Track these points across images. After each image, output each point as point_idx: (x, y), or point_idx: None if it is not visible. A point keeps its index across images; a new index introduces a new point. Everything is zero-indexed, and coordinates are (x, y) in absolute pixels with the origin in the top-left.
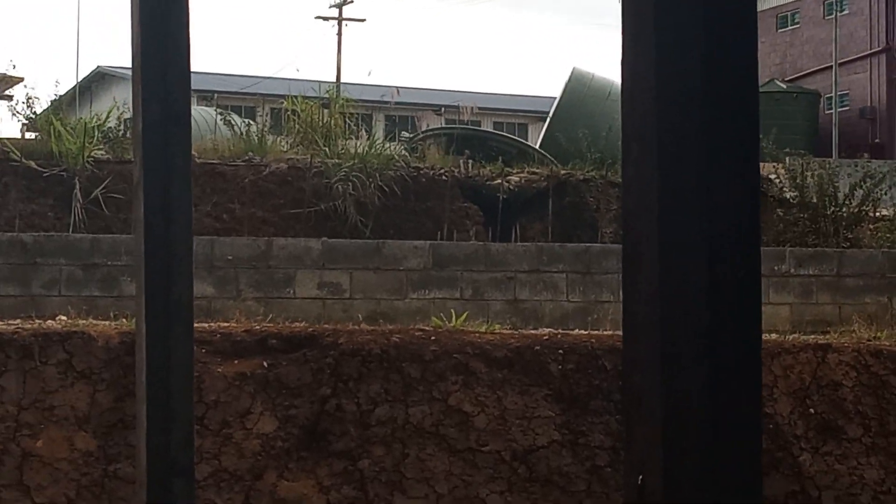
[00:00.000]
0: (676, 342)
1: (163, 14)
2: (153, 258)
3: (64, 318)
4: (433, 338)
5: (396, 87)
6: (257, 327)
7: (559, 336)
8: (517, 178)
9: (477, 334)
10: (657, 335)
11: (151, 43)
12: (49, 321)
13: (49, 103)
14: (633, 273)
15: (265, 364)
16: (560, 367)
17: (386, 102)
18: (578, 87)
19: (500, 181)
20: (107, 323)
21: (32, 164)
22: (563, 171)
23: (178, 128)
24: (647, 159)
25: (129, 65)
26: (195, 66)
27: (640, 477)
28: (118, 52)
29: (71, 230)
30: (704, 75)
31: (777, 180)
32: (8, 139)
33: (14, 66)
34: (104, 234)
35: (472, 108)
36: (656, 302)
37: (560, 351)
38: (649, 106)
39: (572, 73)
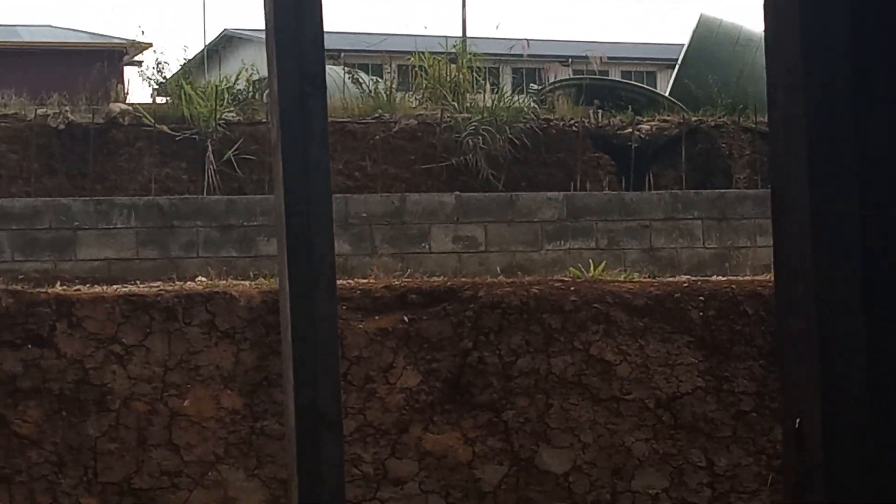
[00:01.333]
0: (832, 284)
1: None
2: (293, 216)
3: (203, 279)
4: (572, 288)
5: (526, 40)
6: (396, 283)
7: (698, 283)
8: (648, 127)
9: (616, 283)
10: (812, 277)
11: (284, 3)
12: (189, 283)
13: (178, 68)
14: (783, 215)
15: (406, 319)
16: (701, 313)
17: (513, 55)
18: (706, 34)
19: (630, 130)
20: (247, 283)
21: (165, 128)
22: (694, 118)
23: (313, 88)
24: (794, 102)
25: (256, 27)
26: None
27: (797, 420)
28: (245, 14)
29: (205, 192)
30: (853, 17)
31: None
32: (140, 104)
33: (143, 33)
34: (238, 195)
35: (600, 58)
36: (807, 243)
37: (700, 297)
38: (795, 50)
39: (700, 19)
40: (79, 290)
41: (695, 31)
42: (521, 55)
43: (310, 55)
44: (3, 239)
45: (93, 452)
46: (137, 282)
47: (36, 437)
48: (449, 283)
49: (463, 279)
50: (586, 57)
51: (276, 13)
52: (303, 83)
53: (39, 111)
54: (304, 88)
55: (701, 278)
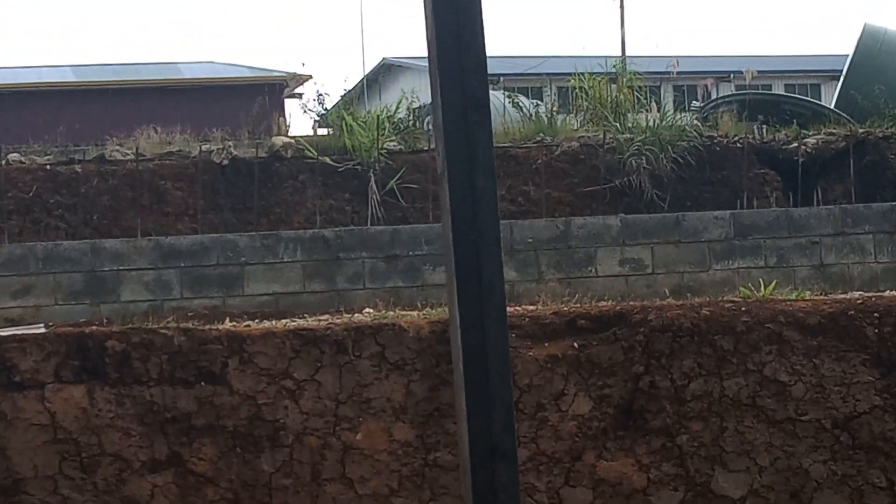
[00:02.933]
0: None
1: (456, 2)
2: (462, 245)
3: (371, 310)
4: (743, 308)
5: (685, 57)
6: (564, 308)
7: (872, 299)
8: (814, 140)
9: (787, 302)
10: None
11: (446, 32)
12: (357, 314)
13: (339, 98)
14: None
15: (575, 345)
16: (876, 330)
17: (673, 73)
18: (871, 43)
19: (796, 144)
20: (414, 313)
21: (327, 159)
22: (861, 130)
23: (477, 115)
24: None
25: (415, 55)
26: None
27: None
28: (404, 42)
29: (369, 223)
30: None
31: None
32: (302, 137)
33: (303, 65)
34: (401, 224)
35: (760, 72)
36: None
37: (875, 314)
38: None
39: (864, 28)
40: (249, 325)
41: (859, 41)
42: (681, 72)
43: (473, 83)
44: (172, 276)
45: (267, 488)
46: (305, 315)
47: (211, 474)
48: (618, 308)
49: (632, 302)
50: (747, 71)
51: (438, 42)
52: (467, 111)
53: (203, 147)
54: (468, 116)
55: (874, 294)
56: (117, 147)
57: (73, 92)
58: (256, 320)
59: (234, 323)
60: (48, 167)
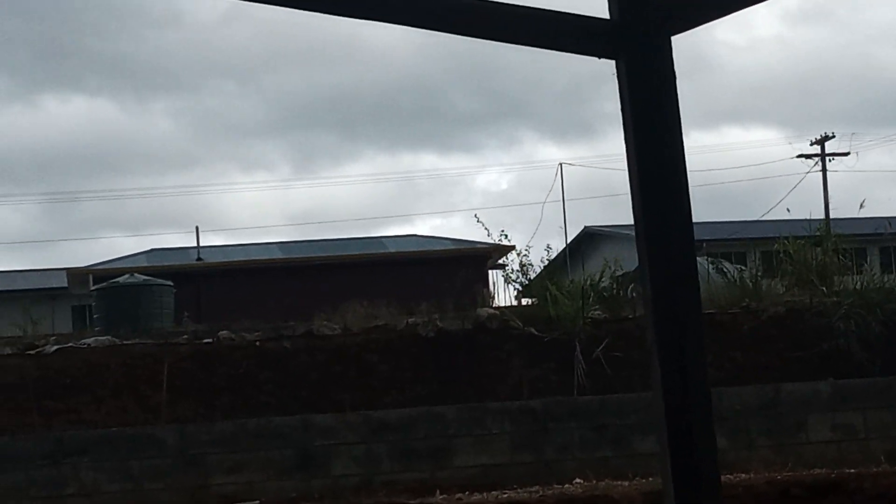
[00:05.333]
0: None
1: (662, 177)
2: (673, 416)
3: (580, 480)
4: None
5: (888, 220)
6: (777, 477)
7: None
8: None
9: None
10: None
11: (653, 208)
12: (567, 485)
13: (541, 268)
14: None
15: None
16: None
17: (880, 234)
18: None
19: None
20: (625, 483)
21: (532, 329)
22: None
23: (685, 288)
24: None
25: (615, 223)
26: None
27: None
28: (603, 212)
29: (575, 392)
30: None
31: None
32: (506, 307)
33: (506, 237)
34: (608, 393)
35: None
36: None
37: None
38: None
39: None
40: (461, 498)
41: None
42: (889, 233)
43: (680, 256)
44: (381, 450)
45: None
46: (515, 486)
47: None
48: (832, 475)
49: (846, 470)
50: None
51: (645, 218)
52: (675, 283)
53: (409, 320)
54: (676, 289)
55: None
56: (325, 322)
57: (280, 269)
58: (467, 493)
59: (445, 496)
60: (257, 343)
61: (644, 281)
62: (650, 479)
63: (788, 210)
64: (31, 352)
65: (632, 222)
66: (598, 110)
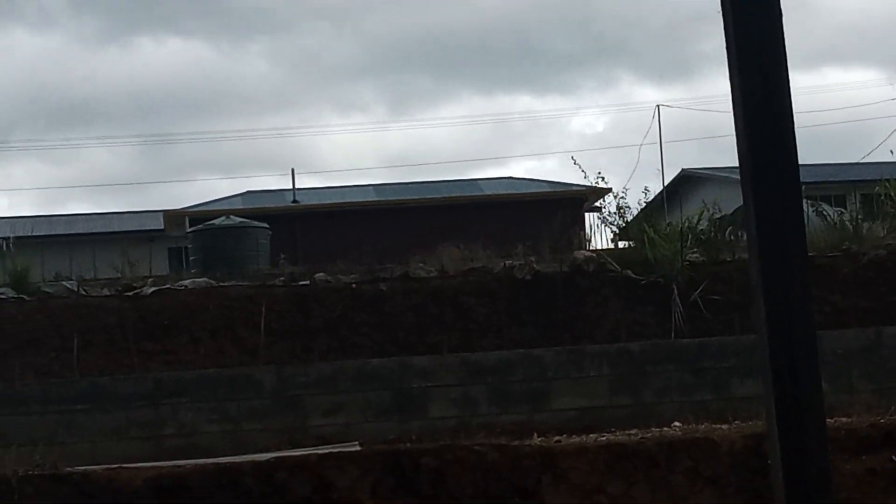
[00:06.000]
0: None
1: (768, 117)
2: (778, 358)
3: (678, 423)
4: None
5: None
6: (881, 421)
7: None
8: None
9: None
10: None
11: (759, 148)
12: (665, 428)
13: (638, 211)
14: None
15: (893, 458)
16: None
17: None
18: None
19: None
20: (724, 426)
21: (629, 272)
22: None
23: (791, 230)
24: None
25: (713, 165)
26: None
27: None
28: (700, 155)
29: (673, 335)
30: None
31: None
32: (602, 250)
33: (603, 179)
34: (705, 336)
35: None
36: None
37: None
38: None
39: None
40: (559, 440)
41: None
42: None
43: (785, 197)
44: (478, 393)
45: None
46: (612, 429)
47: None
48: None
49: None
50: None
51: (752, 157)
52: (780, 224)
53: (505, 263)
54: (781, 230)
55: None
56: (420, 265)
57: (375, 211)
58: (564, 435)
59: (543, 438)
60: (353, 286)
61: (749, 223)
62: (750, 421)
63: (892, 152)
64: (130, 293)
65: (729, 164)
66: (696, 51)
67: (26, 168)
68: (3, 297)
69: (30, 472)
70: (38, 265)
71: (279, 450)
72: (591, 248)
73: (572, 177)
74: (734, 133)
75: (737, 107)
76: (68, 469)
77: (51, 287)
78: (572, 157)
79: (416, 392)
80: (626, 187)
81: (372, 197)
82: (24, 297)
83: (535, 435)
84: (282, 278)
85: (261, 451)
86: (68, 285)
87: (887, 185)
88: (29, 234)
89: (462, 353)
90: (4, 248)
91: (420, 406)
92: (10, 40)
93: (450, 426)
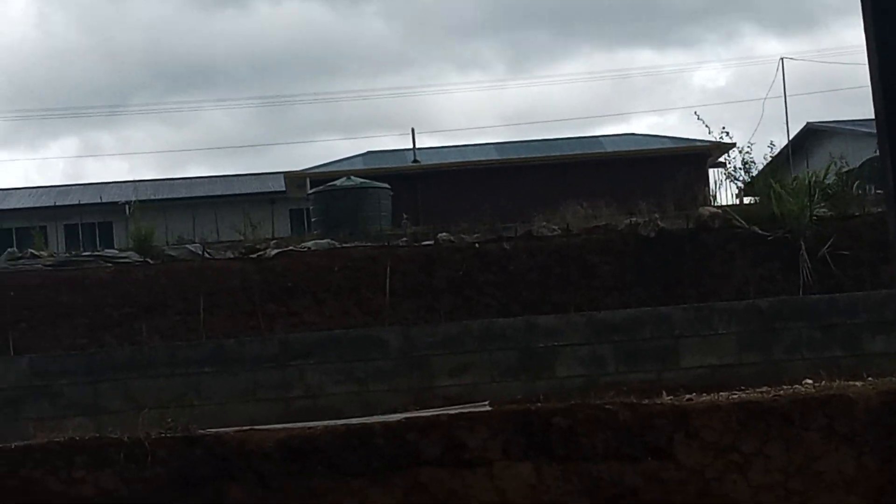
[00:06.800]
0: None
1: None
2: None
3: (810, 380)
4: None
5: None
6: None
7: None
8: None
9: None
10: None
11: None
12: (796, 386)
13: (762, 166)
14: None
15: None
16: None
17: None
18: None
19: None
20: (858, 383)
21: (755, 228)
22: None
23: None
24: None
25: (840, 118)
26: None
27: None
28: (825, 108)
29: (801, 291)
30: None
31: None
32: (727, 206)
33: (727, 134)
34: (834, 292)
35: None
36: None
37: None
38: None
39: None
40: (691, 399)
41: None
42: None
43: None
44: (606, 351)
45: None
46: (742, 387)
47: None
48: None
49: None
50: None
51: (886, 112)
52: None
53: (629, 220)
54: None
55: None
56: (543, 223)
57: (496, 170)
58: (694, 394)
59: (673, 397)
60: (476, 245)
61: (885, 176)
62: (885, 378)
63: None
64: (253, 256)
65: (856, 117)
66: (820, 2)
67: (146, 132)
68: (127, 261)
69: (162, 435)
70: (161, 228)
71: (406, 410)
72: (715, 204)
73: (695, 132)
74: (863, 85)
75: (871, 58)
76: (200, 431)
77: (174, 250)
78: (695, 113)
79: (542, 351)
80: (751, 142)
81: (493, 156)
82: (149, 260)
83: (664, 393)
84: (404, 239)
85: (388, 412)
86: (192, 248)
87: None
88: (151, 197)
89: (587, 311)
90: (128, 212)
91: (547, 365)
92: (130, 4)
93: (577, 385)
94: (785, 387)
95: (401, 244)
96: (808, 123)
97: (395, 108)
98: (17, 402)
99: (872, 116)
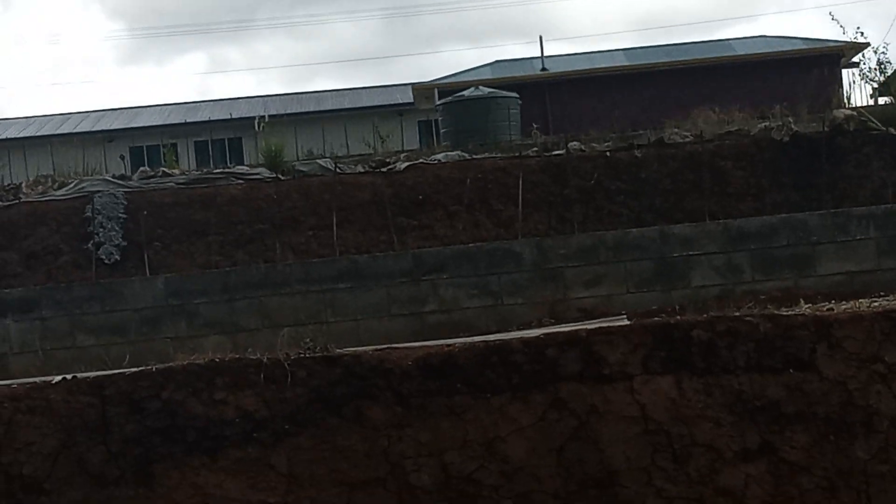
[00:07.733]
0: None
1: None
2: None
3: None
4: None
5: None
6: None
7: None
8: None
9: None
10: None
11: None
12: None
13: None
14: None
15: None
16: None
17: None
18: None
19: None
20: None
21: (892, 130)
22: None
23: None
24: None
25: None
26: None
27: None
28: None
29: None
30: None
31: None
32: (863, 108)
33: (862, 34)
34: None
35: None
36: None
37: None
38: None
39: None
40: (831, 309)
41: None
42: None
43: None
44: (742, 259)
45: (863, 475)
46: (883, 294)
47: (805, 462)
48: None
49: None
50: None
51: None
52: None
53: (762, 125)
54: None
55: None
56: (675, 130)
57: (625, 76)
58: (833, 301)
59: (810, 305)
60: (607, 154)
61: None
62: None
63: None
64: (383, 169)
65: None
66: None
67: (273, 45)
68: (258, 177)
69: (301, 355)
70: (291, 144)
71: (541, 323)
72: (849, 106)
73: (827, 33)
74: None
75: None
76: (338, 350)
77: (305, 165)
78: (830, 13)
79: (677, 261)
80: (886, 42)
81: (622, 62)
82: (279, 176)
83: (802, 301)
84: (534, 148)
85: (523, 325)
86: (322, 163)
87: None
88: (280, 112)
89: (722, 219)
90: (257, 127)
91: (682, 275)
92: None
93: (713, 294)
94: None
95: (531, 154)
96: None
97: (522, 16)
98: (155, 322)
99: None
